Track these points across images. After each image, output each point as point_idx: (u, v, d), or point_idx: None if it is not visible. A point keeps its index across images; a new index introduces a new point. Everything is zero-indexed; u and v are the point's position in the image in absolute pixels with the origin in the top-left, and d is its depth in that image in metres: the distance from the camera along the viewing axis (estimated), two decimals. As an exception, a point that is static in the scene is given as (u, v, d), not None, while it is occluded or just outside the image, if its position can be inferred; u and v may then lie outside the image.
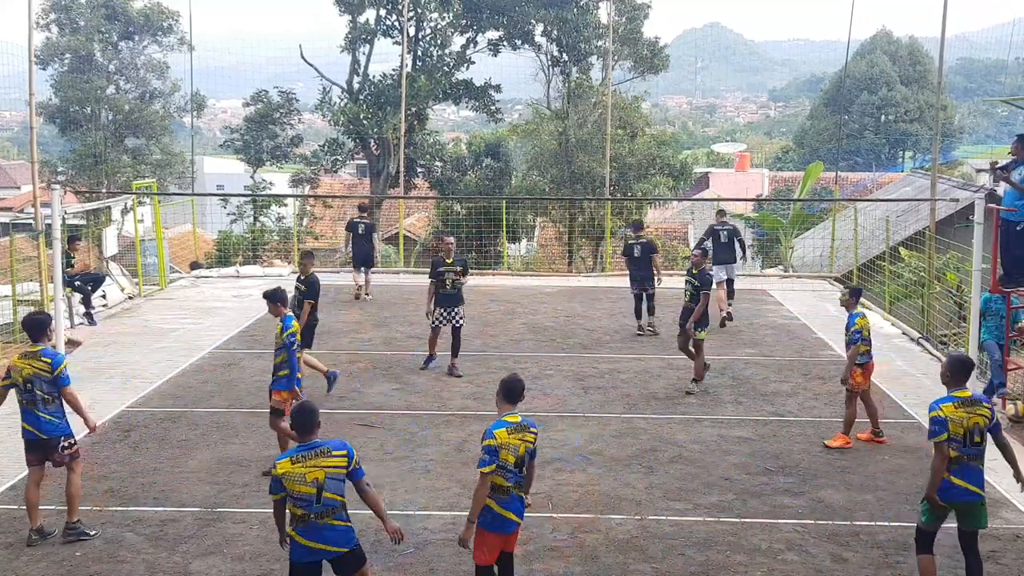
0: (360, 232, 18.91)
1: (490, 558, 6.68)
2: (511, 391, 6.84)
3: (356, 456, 6.43)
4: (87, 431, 8.83)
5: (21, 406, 8.40)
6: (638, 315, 16.29)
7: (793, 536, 8.64)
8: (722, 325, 16.60)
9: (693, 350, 13.08)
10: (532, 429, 6.85)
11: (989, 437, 7.25)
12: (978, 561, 7.33)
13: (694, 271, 13.08)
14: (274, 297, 9.98)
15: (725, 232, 17.36)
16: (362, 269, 19.21)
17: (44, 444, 8.35)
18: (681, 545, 8.43)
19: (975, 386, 12.26)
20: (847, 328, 11.12)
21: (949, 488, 7.06)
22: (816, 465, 10.37)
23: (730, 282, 17.49)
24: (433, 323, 13.63)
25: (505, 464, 6.58)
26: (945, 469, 7.01)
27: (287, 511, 6.38)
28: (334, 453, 6.30)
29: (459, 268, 13.59)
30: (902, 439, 11.14)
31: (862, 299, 14.51)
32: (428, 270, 13.93)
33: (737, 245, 17.50)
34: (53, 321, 8.72)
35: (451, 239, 14.17)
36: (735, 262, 17.64)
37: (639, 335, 16.16)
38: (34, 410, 8.30)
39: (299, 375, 9.91)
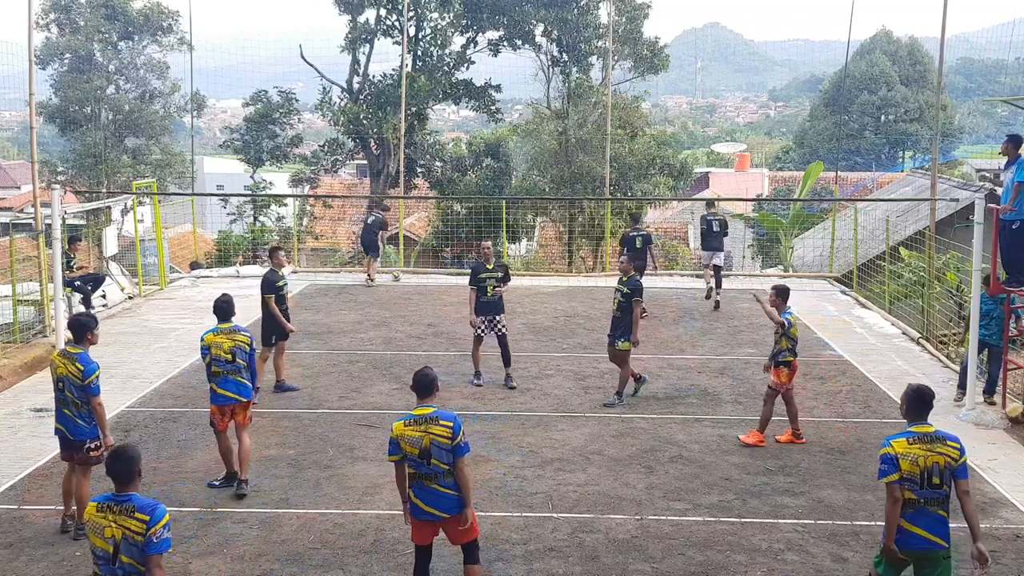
0: (368, 223, 20.69)
1: (417, 539, 7.05)
2: (417, 385, 6.99)
3: (162, 527, 5.36)
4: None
5: (55, 402, 8.46)
6: None
7: (793, 536, 8.64)
8: (708, 297, 18.54)
9: (616, 362, 12.61)
10: (443, 422, 6.78)
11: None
12: None
13: (624, 278, 12.46)
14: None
15: (717, 222, 18.50)
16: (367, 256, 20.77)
17: (71, 444, 8.39)
18: (681, 545, 8.44)
19: (976, 385, 12.34)
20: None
21: (903, 535, 6.26)
22: (816, 465, 10.37)
23: (717, 268, 18.54)
24: (476, 332, 13.13)
25: (408, 455, 6.81)
26: (899, 513, 6.21)
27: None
28: (137, 515, 5.33)
29: (499, 274, 13.13)
30: (902, 439, 11.12)
31: (863, 299, 14.42)
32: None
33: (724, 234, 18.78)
34: (98, 327, 8.66)
35: (488, 243, 13.50)
36: (723, 250, 18.95)
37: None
38: (64, 410, 8.35)
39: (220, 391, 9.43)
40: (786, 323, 10.85)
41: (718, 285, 18.36)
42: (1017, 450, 11.03)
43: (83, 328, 8.45)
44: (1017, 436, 11.42)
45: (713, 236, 18.37)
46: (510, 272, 13.55)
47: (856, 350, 15.37)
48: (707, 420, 11.86)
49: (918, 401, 6.49)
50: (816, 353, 15.23)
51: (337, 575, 7.86)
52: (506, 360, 13.18)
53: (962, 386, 12.49)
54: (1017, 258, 11.92)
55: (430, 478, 6.79)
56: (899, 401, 6.69)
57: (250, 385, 9.51)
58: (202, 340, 9.45)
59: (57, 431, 8.44)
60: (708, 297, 18.65)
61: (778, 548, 8.40)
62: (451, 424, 6.78)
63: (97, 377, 8.30)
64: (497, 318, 13.06)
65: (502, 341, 13.13)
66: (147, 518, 5.34)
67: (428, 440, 6.73)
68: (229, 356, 9.33)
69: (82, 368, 8.23)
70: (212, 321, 9.71)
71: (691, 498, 9.45)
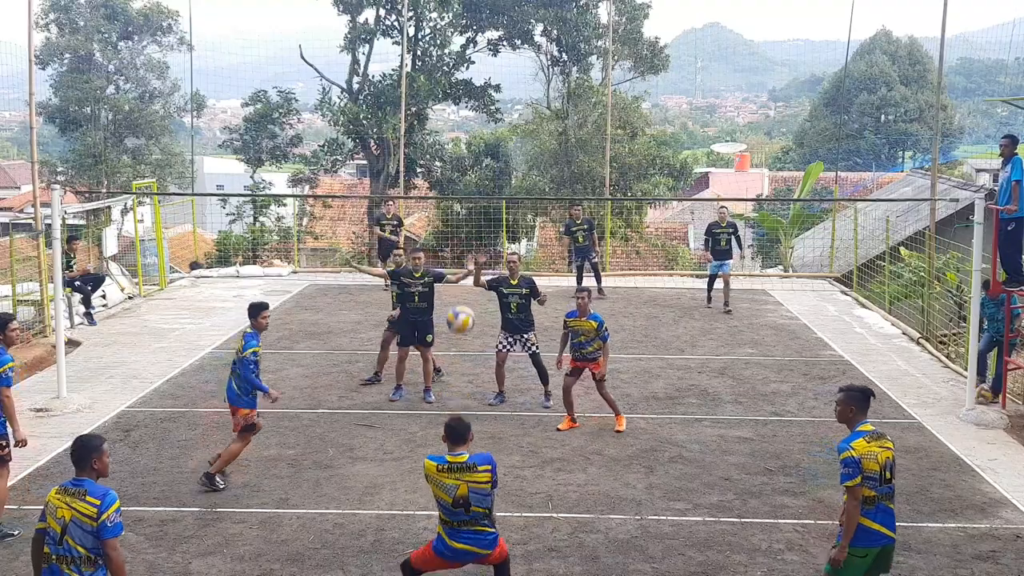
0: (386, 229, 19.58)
1: (422, 566, 6.81)
2: (449, 434, 6.71)
3: (114, 511, 5.68)
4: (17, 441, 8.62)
5: None
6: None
7: (793, 536, 8.64)
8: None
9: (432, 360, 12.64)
10: (481, 468, 6.58)
11: None
12: None
13: (416, 273, 12.46)
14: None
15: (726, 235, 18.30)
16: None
17: None
18: (681, 545, 8.44)
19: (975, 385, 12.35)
20: (596, 329, 11.28)
21: (868, 534, 6.46)
22: (816, 465, 10.36)
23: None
24: (498, 347, 12.34)
25: (440, 501, 6.57)
26: (860, 514, 6.39)
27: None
28: (88, 498, 5.67)
29: (524, 290, 12.15)
30: (902, 439, 11.12)
31: (863, 299, 14.30)
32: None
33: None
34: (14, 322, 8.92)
35: (515, 256, 12.36)
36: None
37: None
38: None
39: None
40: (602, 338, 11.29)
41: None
42: (1017, 450, 11.03)
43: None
44: (1017, 436, 11.42)
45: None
46: (538, 289, 12.38)
47: (856, 350, 15.37)
48: (707, 420, 11.86)
49: (864, 400, 6.62)
50: (816, 353, 15.24)
51: (337, 575, 7.86)
52: (542, 378, 12.23)
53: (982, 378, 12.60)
54: (1013, 257, 11.94)
55: (469, 523, 6.61)
56: (841, 406, 6.66)
57: (238, 392, 9.48)
58: (254, 346, 9.62)
59: None
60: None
61: (778, 548, 8.40)
62: (489, 467, 6.63)
63: (10, 368, 8.44)
64: (526, 336, 12.18)
65: (535, 360, 12.18)
66: (98, 502, 5.64)
67: (465, 489, 6.53)
68: (235, 357, 9.60)
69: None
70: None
71: (691, 498, 9.45)
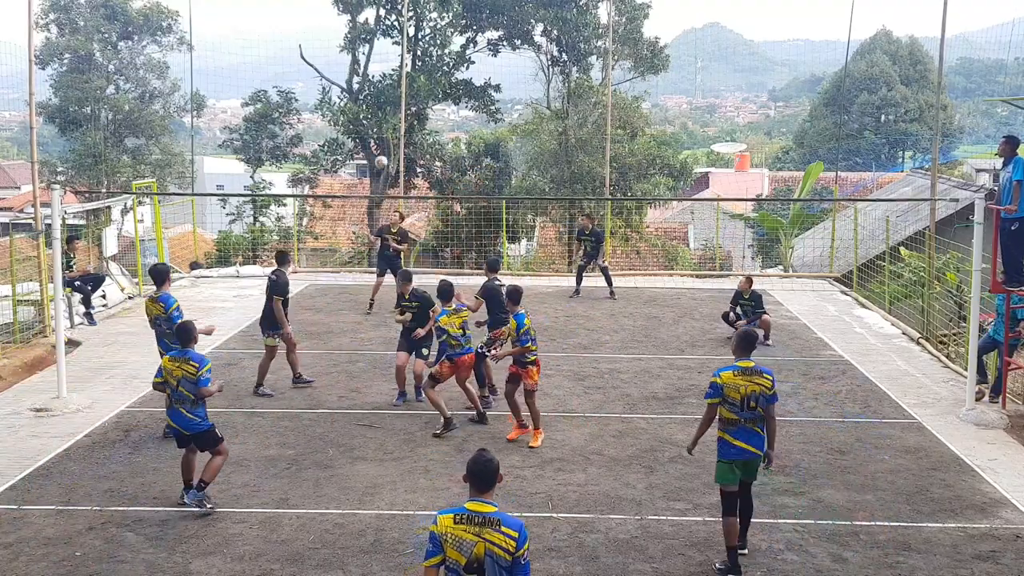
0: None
1: None
2: (474, 475, 5.40)
3: (206, 371, 8.78)
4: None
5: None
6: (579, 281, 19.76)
7: (793, 536, 8.63)
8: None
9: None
10: (506, 529, 5.24)
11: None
12: (750, 503, 8.16)
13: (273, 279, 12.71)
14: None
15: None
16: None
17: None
18: (681, 545, 8.44)
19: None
20: (516, 329, 10.92)
21: (729, 448, 7.86)
22: (816, 465, 10.36)
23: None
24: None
25: (450, 563, 5.26)
26: (708, 427, 8.04)
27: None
28: (191, 362, 8.83)
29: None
30: (902, 439, 11.14)
31: (863, 299, 14.22)
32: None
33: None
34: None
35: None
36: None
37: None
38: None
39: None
40: (521, 341, 10.91)
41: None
42: (1017, 450, 11.03)
43: (163, 274, 11.23)
44: (1017, 436, 11.42)
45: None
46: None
47: (856, 350, 15.37)
48: (707, 420, 11.84)
49: (744, 342, 8.09)
50: (816, 353, 15.23)
51: (337, 575, 7.86)
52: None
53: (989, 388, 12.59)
54: (1015, 257, 11.95)
55: None
56: (732, 343, 8.24)
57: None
58: (437, 321, 11.38)
59: None
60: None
61: (778, 548, 8.40)
62: (516, 533, 5.24)
63: (176, 308, 11.04)
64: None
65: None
66: (197, 364, 8.85)
67: (483, 548, 5.21)
68: (460, 331, 11.36)
69: (163, 304, 11.06)
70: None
71: (691, 498, 9.45)
